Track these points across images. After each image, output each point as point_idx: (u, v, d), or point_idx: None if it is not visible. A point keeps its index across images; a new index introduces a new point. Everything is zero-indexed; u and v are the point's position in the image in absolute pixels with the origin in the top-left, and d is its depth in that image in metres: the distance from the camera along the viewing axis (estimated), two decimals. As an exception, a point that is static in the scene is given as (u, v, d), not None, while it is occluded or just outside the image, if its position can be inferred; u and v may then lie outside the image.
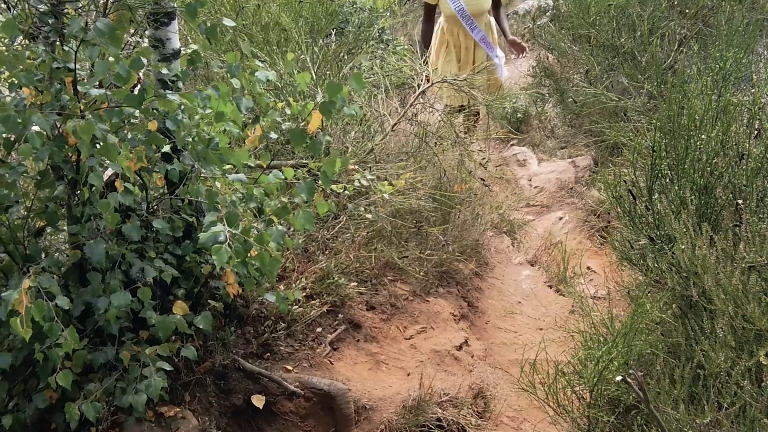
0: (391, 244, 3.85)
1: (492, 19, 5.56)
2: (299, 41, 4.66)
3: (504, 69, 5.61)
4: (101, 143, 2.28)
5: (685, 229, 2.45)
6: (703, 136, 2.74)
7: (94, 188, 2.43)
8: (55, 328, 2.16)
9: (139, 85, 2.52)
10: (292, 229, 3.19)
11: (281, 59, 4.33)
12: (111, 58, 2.26)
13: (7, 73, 2.35)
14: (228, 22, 2.77)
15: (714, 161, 2.70)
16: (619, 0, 5.32)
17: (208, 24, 2.55)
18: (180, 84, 2.77)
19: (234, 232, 2.32)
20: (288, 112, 2.83)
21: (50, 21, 2.46)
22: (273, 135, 2.83)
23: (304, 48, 4.57)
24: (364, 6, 6.00)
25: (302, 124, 2.83)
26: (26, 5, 2.42)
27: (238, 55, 2.61)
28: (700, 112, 2.82)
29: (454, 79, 4.54)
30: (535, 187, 5.72)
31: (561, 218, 5.04)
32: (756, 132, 2.92)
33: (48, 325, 2.15)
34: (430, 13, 5.59)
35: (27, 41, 2.62)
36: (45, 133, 2.21)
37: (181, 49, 2.87)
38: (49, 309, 2.15)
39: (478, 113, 5.75)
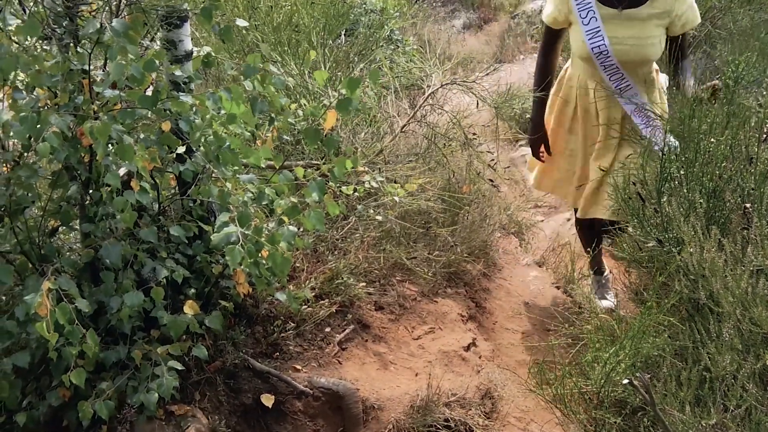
0: (400, 245, 3.87)
1: (658, 76, 3.44)
2: (313, 41, 4.68)
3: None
4: (116, 144, 2.31)
5: (693, 232, 2.47)
6: (712, 140, 2.75)
7: (109, 188, 2.45)
8: (76, 332, 2.19)
9: (152, 87, 2.55)
10: (302, 229, 3.21)
11: (292, 60, 4.36)
12: (124, 60, 2.29)
13: (22, 75, 2.38)
14: (241, 23, 2.79)
15: (723, 165, 2.72)
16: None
17: (222, 25, 2.58)
18: (192, 85, 2.80)
19: (246, 232, 2.35)
20: (301, 113, 2.85)
21: (64, 23, 2.48)
22: (286, 137, 2.85)
23: (318, 48, 4.59)
24: (374, 7, 6.01)
25: (315, 124, 2.85)
26: (41, 7, 2.45)
27: (259, 57, 2.64)
28: (711, 116, 2.83)
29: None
30: (544, 188, 5.72)
31: (569, 219, 5.04)
32: (766, 136, 2.92)
33: (69, 329, 2.17)
34: (551, 42, 3.49)
35: (41, 42, 2.65)
36: (62, 133, 2.24)
37: (193, 50, 2.89)
38: (70, 312, 2.18)
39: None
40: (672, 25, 3.15)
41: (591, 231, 3.76)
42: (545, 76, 3.54)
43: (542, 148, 3.71)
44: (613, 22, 3.13)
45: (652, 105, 3.30)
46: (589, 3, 3.13)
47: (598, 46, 3.13)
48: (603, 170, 3.39)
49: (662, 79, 3.44)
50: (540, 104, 3.62)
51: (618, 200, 2.89)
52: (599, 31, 3.11)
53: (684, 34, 3.24)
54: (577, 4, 3.14)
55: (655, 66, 3.37)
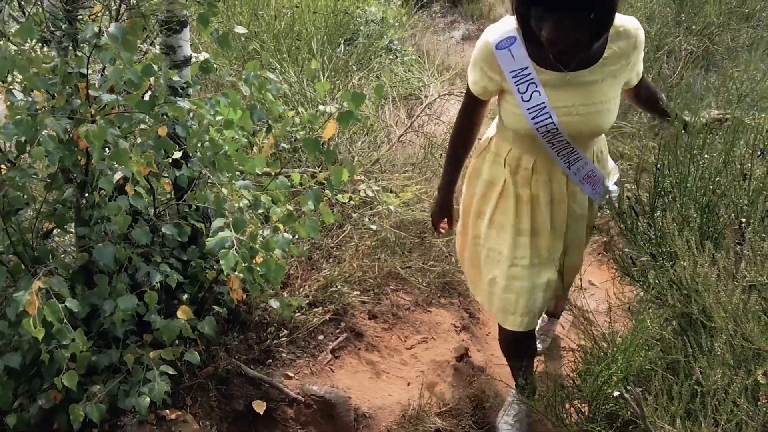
0: (395, 254, 3.88)
1: (602, 144, 2.77)
2: (313, 50, 4.70)
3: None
4: (112, 148, 2.32)
5: (687, 247, 2.47)
6: (705, 156, 2.76)
7: (103, 192, 2.46)
8: (64, 330, 2.19)
9: (149, 91, 2.56)
10: (297, 237, 3.21)
11: (292, 68, 4.37)
12: (121, 64, 2.29)
13: (20, 77, 2.38)
14: (240, 30, 2.80)
15: (717, 180, 2.73)
16: (626, 16, 5.35)
17: (221, 32, 2.59)
18: (190, 91, 2.80)
19: (241, 238, 2.35)
20: (298, 120, 2.86)
21: (63, 26, 2.49)
22: (284, 144, 2.86)
23: (319, 57, 4.61)
24: (374, 17, 6.03)
25: (314, 133, 2.86)
26: (40, 9, 2.46)
27: (258, 64, 2.65)
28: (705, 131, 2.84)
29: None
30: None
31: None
32: (760, 152, 2.94)
33: (58, 327, 2.17)
34: (473, 109, 2.68)
35: (40, 45, 2.65)
36: (57, 136, 2.24)
37: (192, 56, 2.90)
38: (59, 310, 2.18)
39: None
40: (629, 79, 2.50)
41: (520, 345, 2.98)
42: (464, 141, 2.78)
43: (443, 222, 2.97)
44: (559, 89, 2.38)
45: (606, 169, 2.77)
46: (528, 72, 2.37)
47: (546, 124, 2.40)
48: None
49: (611, 165, 2.88)
50: (453, 168, 2.83)
51: (612, 213, 2.90)
52: (545, 107, 2.39)
53: (644, 75, 2.59)
54: (513, 76, 2.38)
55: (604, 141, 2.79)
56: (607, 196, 2.75)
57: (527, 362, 2.98)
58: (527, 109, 2.40)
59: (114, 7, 2.53)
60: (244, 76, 2.65)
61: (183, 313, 2.63)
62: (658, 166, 2.73)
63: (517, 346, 2.95)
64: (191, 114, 2.58)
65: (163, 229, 2.64)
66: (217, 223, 2.39)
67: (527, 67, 2.35)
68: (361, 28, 5.92)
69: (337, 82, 4.62)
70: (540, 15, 2.16)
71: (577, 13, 2.10)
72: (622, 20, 2.31)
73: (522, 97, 2.39)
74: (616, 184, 2.84)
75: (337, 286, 3.51)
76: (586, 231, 2.83)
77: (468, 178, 2.90)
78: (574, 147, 2.49)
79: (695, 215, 2.66)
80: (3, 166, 2.45)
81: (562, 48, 2.22)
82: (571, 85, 2.37)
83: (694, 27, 5.30)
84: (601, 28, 2.19)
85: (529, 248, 2.69)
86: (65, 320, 2.20)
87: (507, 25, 2.36)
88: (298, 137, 2.88)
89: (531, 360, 3.02)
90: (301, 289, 3.49)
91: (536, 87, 2.37)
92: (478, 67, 2.46)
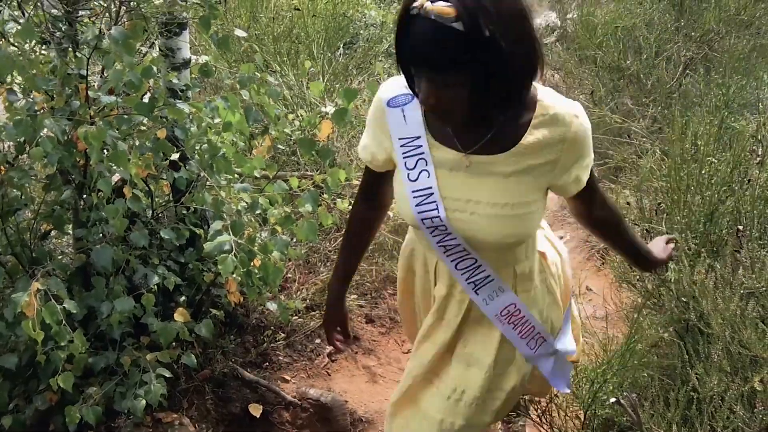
0: (392, 258, 3.87)
1: (548, 262, 1.96)
2: (313, 53, 4.70)
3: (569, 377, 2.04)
4: (111, 149, 2.32)
5: (689, 253, 2.48)
6: (711, 159, 2.77)
7: (101, 194, 2.45)
8: (63, 332, 2.19)
9: (148, 93, 2.56)
10: (295, 240, 3.21)
11: (291, 70, 4.37)
12: (121, 66, 2.30)
13: (20, 78, 2.38)
14: (240, 33, 2.81)
15: (720, 187, 2.73)
16: (625, 23, 5.36)
17: (221, 35, 2.59)
18: (189, 93, 2.81)
19: (239, 241, 2.35)
20: (297, 123, 2.86)
21: (63, 27, 2.49)
22: (281, 146, 2.86)
23: (318, 60, 4.61)
24: (374, 21, 6.03)
25: (310, 134, 2.86)
26: (40, 10, 2.46)
27: (252, 66, 2.65)
28: (705, 138, 2.85)
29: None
30: (538, 205, 5.73)
31: (562, 237, 5.05)
32: (759, 159, 2.95)
33: (56, 329, 2.17)
34: (369, 186, 1.97)
35: (39, 46, 2.65)
36: (56, 137, 2.24)
37: (192, 58, 2.90)
38: (57, 312, 2.17)
39: None
40: (562, 185, 1.72)
41: None
42: (359, 230, 2.05)
43: (336, 335, 2.16)
44: (454, 174, 1.69)
45: (540, 307, 1.89)
46: (420, 144, 1.71)
47: (431, 217, 1.71)
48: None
49: (555, 261, 2.02)
50: (342, 260, 2.12)
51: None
52: (432, 194, 1.70)
53: (593, 187, 1.79)
54: (402, 145, 1.72)
55: (542, 246, 1.96)
56: (551, 365, 1.94)
57: None
58: (412, 192, 1.72)
59: (114, 9, 2.53)
60: (238, 78, 2.65)
61: (180, 315, 2.63)
62: (660, 172, 2.74)
63: None
64: (190, 116, 2.58)
65: (161, 233, 2.64)
66: (216, 226, 2.39)
67: (419, 137, 1.70)
68: (361, 31, 5.93)
69: (336, 85, 4.62)
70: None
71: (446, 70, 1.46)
72: (558, 102, 1.64)
73: (409, 174, 1.73)
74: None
75: (334, 290, 3.51)
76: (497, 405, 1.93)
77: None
78: (477, 260, 1.77)
79: (697, 222, 2.67)
80: (2, 167, 2.45)
81: (442, 115, 1.59)
82: (471, 172, 1.68)
83: (693, 34, 5.31)
84: (497, 92, 1.50)
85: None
86: (63, 322, 2.20)
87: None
88: (294, 139, 2.88)
89: None
90: (299, 292, 3.49)
91: (426, 165, 1.70)
92: (370, 129, 1.84)
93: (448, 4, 1.37)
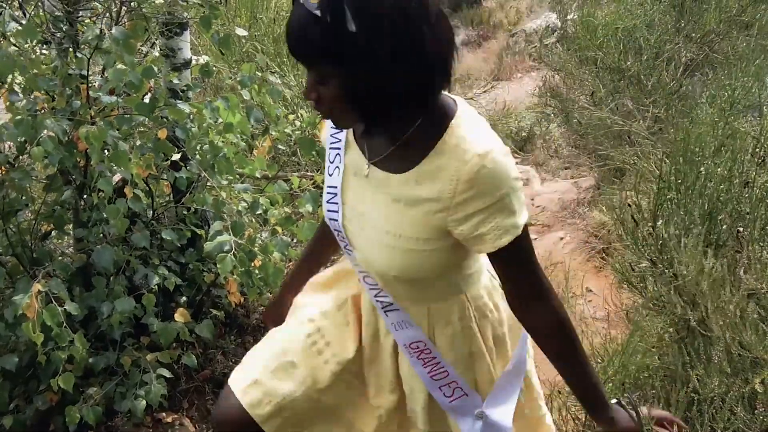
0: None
1: (498, 310, 1.66)
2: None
3: None
4: (111, 149, 2.32)
5: (690, 254, 2.48)
6: (708, 162, 2.77)
7: (102, 194, 2.45)
8: (64, 334, 2.19)
9: (149, 94, 2.56)
10: (295, 240, 3.21)
11: (291, 71, 4.37)
12: (122, 66, 2.30)
13: (20, 78, 2.38)
14: (240, 32, 2.80)
15: (720, 187, 2.73)
16: (626, 23, 5.36)
17: (221, 34, 2.59)
18: (190, 93, 2.81)
19: (239, 241, 2.35)
20: (297, 123, 2.86)
21: (64, 27, 2.49)
22: (281, 146, 2.86)
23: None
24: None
25: (310, 134, 2.86)
26: (41, 11, 2.46)
27: (253, 66, 2.65)
28: (707, 140, 2.85)
29: None
30: (537, 206, 5.73)
31: (562, 238, 5.04)
32: (761, 160, 2.94)
33: (57, 331, 2.17)
34: None
35: (40, 46, 2.65)
36: (57, 137, 2.24)
37: (192, 58, 2.90)
38: (58, 314, 2.17)
39: None
40: (461, 235, 1.39)
41: None
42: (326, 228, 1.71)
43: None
44: (356, 180, 1.55)
45: (459, 354, 1.63)
46: (340, 138, 1.59)
47: (332, 218, 1.58)
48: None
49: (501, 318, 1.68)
50: (303, 255, 2.09)
51: (613, 220, 2.90)
52: (336, 194, 1.58)
53: (515, 264, 1.43)
54: (330, 135, 1.61)
55: (487, 284, 1.65)
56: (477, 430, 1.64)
57: None
58: (327, 186, 1.60)
59: (114, 9, 2.54)
60: (239, 78, 2.65)
61: (180, 315, 2.63)
62: (663, 175, 2.74)
63: None
64: (191, 117, 2.58)
65: (162, 234, 2.64)
66: (216, 226, 2.39)
67: (342, 131, 1.58)
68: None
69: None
70: None
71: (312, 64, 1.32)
72: (471, 134, 1.36)
73: (328, 168, 1.61)
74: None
75: (334, 290, 3.50)
76: None
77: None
78: (378, 282, 1.59)
79: (699, 223, 2.67)
80: (3, 167, 2.45)
81: (330, 116, 1.41)
82: (369, 184, 1.50)
83: (694, 35, 5.30)
84: (369, 103, 1.31)
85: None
86: (64, 324, 2.20)
87: None
88: (295, 139, 2.88)
89: None
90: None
91: (340, 161, 1.57)
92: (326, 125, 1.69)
93: None
